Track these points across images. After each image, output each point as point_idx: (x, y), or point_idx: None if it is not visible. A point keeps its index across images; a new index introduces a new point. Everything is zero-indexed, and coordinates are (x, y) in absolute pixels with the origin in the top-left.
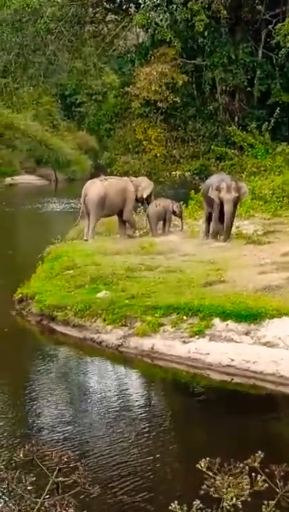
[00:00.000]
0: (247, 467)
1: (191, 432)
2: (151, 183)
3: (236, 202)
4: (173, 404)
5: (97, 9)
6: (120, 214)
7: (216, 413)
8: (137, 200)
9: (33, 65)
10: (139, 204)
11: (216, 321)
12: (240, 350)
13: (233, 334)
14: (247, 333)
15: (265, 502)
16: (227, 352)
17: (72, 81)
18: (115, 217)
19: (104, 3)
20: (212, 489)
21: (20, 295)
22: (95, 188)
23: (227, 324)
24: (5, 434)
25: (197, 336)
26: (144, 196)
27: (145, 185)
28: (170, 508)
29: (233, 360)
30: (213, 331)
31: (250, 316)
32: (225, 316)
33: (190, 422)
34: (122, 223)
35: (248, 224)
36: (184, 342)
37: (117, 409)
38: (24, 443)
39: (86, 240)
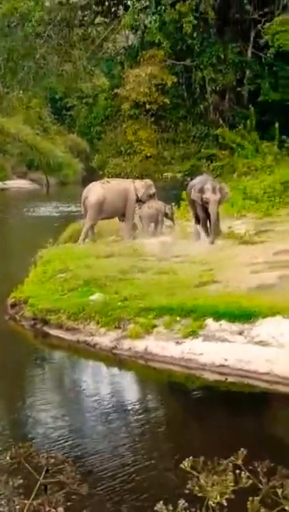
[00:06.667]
0: (230, 465)
1: (185, 432)
2: (152, 185)
3: (219, 203)
4: (167, 404)
5: (86, 12)
6: (122, 217)
7: (211, 413)
8: (138, 201)
9: (22, 69)
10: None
11: (210, 321)
12: (234, 350)
13: (226, 334)
14: (240, 333)
15: (250, 498)
16: (221, 352)
17: (62, 84)
18: (107, 221)
19: (93, 6)
20: (196, 488)
21: (14, 299)
22: (94, 191)
23: (220, 324)
24: None
25: (191, 337)
26: (145, 198)
27: (147, 187)
28: (156, 508)
29: (226, 359)
30: (207, 331)
31: (244, 316)
32: (218, 316)
33: (184, 423)
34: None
35: (240, 224)
36: (178, 343)
37: (111, 411)
38: (12, 446)
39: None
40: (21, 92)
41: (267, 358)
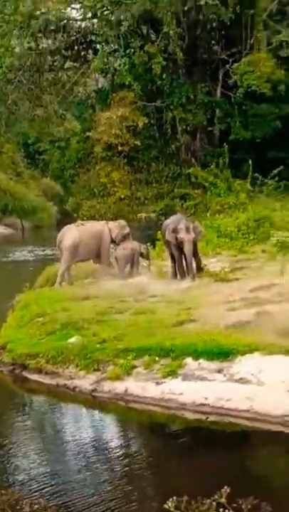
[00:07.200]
0: (214, 503)
1: (167, 473)
2: (126, 225)
3: (195, 242)
4: (149, 445)
5: (56, 57)
6: (96, 259)
7: (192, 453)
8: (113, 242)
9: None
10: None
11: (188, 360)
12: (214, 388)
13: (205, 372)
14: (219, 371)
15: None
16: (200, 391)
17: (34, 129)
18: (83, 263)
19: (63, 51)
20: None
21: None
22: (69, 234)
23: (199, 363)
24: None
25: (170, 377)
26: (119, 238)
27: (121, 228)
28: None
29: (206, 398)
30: (186, 371)
31: (222, 354)
32: (197, 354)
33: (166, 463)
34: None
35: (216, 262)
36: (157, 383)
37: (92, 454)
38: None
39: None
40: None
41: (247, 396)
